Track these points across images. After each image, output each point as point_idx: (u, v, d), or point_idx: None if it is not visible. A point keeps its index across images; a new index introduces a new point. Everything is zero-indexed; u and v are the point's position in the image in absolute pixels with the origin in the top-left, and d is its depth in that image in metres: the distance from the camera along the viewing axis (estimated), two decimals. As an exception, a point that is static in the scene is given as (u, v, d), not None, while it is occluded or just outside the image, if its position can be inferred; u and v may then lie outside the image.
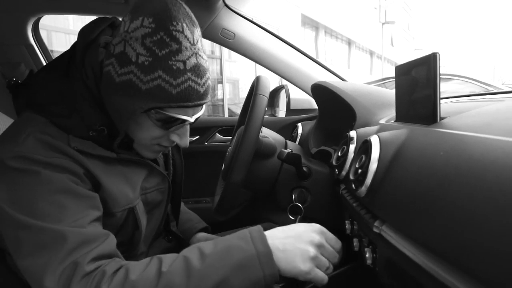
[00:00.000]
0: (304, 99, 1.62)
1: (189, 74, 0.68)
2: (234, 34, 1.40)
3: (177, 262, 0.62)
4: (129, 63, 0.67)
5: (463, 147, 0.49)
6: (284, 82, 1.67)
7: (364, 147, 0.71)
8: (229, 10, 1.37)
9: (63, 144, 0.68)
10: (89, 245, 0.62)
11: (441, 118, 0.64)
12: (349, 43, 18.60)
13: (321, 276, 0.67)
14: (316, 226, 0.72)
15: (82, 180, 0.69)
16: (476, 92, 1.21)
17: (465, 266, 0.40)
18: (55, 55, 1.58)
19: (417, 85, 0.70)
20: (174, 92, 0.68)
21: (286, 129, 1.56)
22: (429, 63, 0.64)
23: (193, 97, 0.70)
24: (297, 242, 0.66)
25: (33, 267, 0.60)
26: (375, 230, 0.61)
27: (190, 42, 0.69)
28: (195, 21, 0.72)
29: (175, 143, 0.80)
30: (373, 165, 0.64)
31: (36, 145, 0.66)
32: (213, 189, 1.21)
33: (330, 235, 0.72)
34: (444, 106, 0.67)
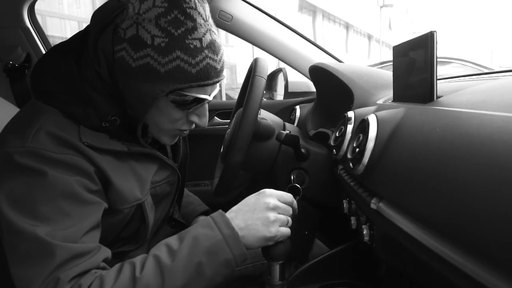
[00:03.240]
0: (302, 82, 1.62)
1: (206, 51, 0.67)
2: (232, 16, 1.39)
3: (148, 264, 0.63)
4: (145, 46, 0.65)
5: (458, 123, 0.50)
6: (282, 65, 1.66)
7: (362, 126, 0.72)
8: (227, -8, 1.36)
9: (74, 138, 0.67)
10: (76, 260, 0.62)
11: (438, 97, 0.65)
12: (347, 27, 18.43)
13: (286, 232, 0.73)
14: (266, 191, 0.75)
15: (91, 180, 0.68)
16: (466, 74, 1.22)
17: (461, 238, 0.42)
18: (50, 41, 1.57)
19: (415, 64, 0.70)
20: (193, 71, 0.67)
21: (284, 111, 1.56)
22: (426, 41, 0.64)
23: (212, 74, 0.70)
24: (255, 213, 0.70)
25: (21, 276, 0.60)
26: (373, 207, 0.62)
27: (203, 19, 0.67)
28: None
29: (193, 125, 0.79)
30: (370, 144, 0.65)
31: (47, 141, 0.65)
32: (212, 172, 1.22)
33: (279, 193, 0.76)
34: (441, 86, 0.67)
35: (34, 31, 1.45)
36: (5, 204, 0.62)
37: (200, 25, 0.66)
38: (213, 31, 0.70)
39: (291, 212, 0.75)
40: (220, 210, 0.71)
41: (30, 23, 1.43)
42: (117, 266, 0.64)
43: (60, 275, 0.59)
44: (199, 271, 0.63)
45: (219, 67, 0.71)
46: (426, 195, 0.48)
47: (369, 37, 22.32)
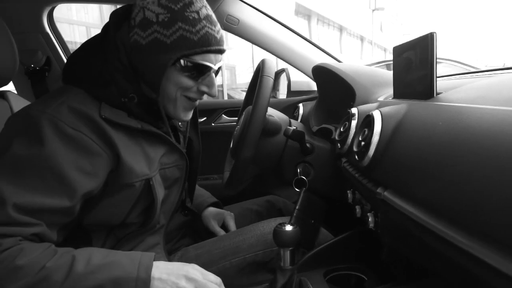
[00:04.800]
0: (303, 81, 1.63)
1: (204, 22, 0.74)
2: (238, 20, 1.40)
3: (63, 260, 0.63)
4: (151, 24, 0.72)
5: (460, 117, 0.51)
6: (281, 65, 1.67)
7: (367, 121, 0.73)
8: (233, -3, 1.37)
9: (94, 112, 0.70)
10: (9, 226, 0.62)
11: (437, 93, 0.66)
12: (341, 29, 18.39)
13: None
14: (192, 265, 0.74)
15: (90, 161, 0.70)
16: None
17: (465, 221, 0.43)
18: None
19: (414, 63, 0.71)
20: (195, 38, 0.73)
21: (288, 109, 1.57)
22: (426, 42, 0.66)
23: (212, 41, 0.75)
24: (172, 275, 0.69)
25: None
26: (378, 196, 0.63)
27: None
28: None
29: (203, 95, 0.82)
30: (376, 137, 0.67)
31: (67, 114, 0.68)
32: (220, 167, 1.23)
33: (205, 272, 0.74)
34: (439, 83, 0.68)
35: (53, 36, 1.46)
36: (3, 154, 0.65)
37: (196, 0, 0.74)
38: (208, 8, 0.77)
39: None
40: (153, 254, 0.71)
41: (50, 29, 1.44)
42: (44, 245, 0.65)
43: None
44: None
45: (218, 36, 0.77)
46: (432, 183, 0.49)
47: (362, 38, 22.27)
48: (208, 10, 0.76)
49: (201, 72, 0.77)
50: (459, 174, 0.45)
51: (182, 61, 0.74)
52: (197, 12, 0.73)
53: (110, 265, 0.66)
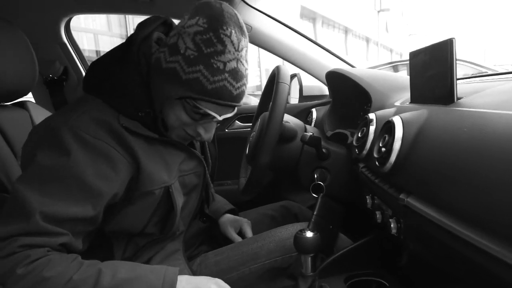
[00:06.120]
0: (315, 86, 1.63)
1: (226, 75, 0.71)
2: (251, 27, 1.41)
3: (90, 273, 0.64)
4: (178, 53, 0.71)
5: (485, 123, 0.51)
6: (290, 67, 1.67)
7: (387, 127, 0.73)
8: (246, 5, 1.38)
9: (113, 121, 0.72)
10: (37, 236, 0.63)
11: (458, 98, 0.66)
12: (346, 31, 18.36)
13: None
14: (217, 280, 0.76)
15: (113, 167, 0.71)
16: (476, 74, 1.22)
17: (494, 227, 0.43)
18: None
19: (432, 68, 0.71)
20: (209, 87, 0.71)
21: (301, 114, 1.57)
22: (445, 47, 0.66)
23: (225, 96, 0.73)
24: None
25: None
26: (401, 202, 0.63)
27: (234, 48, 0.72)
28: (245, 31, 0.75)
29: (200, 136, 0.81)
30: (397, 144, 0.67)
31: (88, 123, 0.70)
32: (234, 172, 1.23)
33: (225, 285, 0.76)
34: (458, 87, 0.68)
35: (70, 46, 1.49)
36: (28, 166, 0.67)
37: (229, 51, 0.71)
38: (241, 62, 0.74)
39: None
40: (177, 269, 0.72)
41: (67, 39, 1.47)
42: (71, 257, 0.66)
43: (18, 238, 0.62)
44: None
45: (235, 92, 0.74)
46: (459, 189, 0.50)
47: (367, 40, 22.21)
48: (239, 64, 0.73)
49: (203, 117, 0.77)
50: (487, 180, 0.45)
51: (187, 100, 0.74)
52: (224, 63, 0.71)
53: (135, 279, 0.67)
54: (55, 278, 0.61)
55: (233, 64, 0.72)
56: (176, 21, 0.80)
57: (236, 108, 0.80)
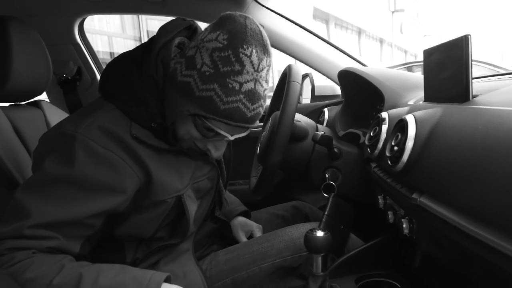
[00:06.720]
0: (327, 86, 1.62)
1: (241, 96, 0.69)
2: (263, 27, 1.41)
3: (71, 277, 0.63)
4: (193, 68, 0.69)
5: (501, 121, 0.50)
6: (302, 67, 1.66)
7: (399, 126, 0.72)
8: (258, 4, 1.38)
9: (124, 131, 0.71)
10: (26, 239, 0.64)
11: (473, 96, 0.65)
12: (359, 32, 18.23)
13: None
14: None
15: (119, 178, 0.71)
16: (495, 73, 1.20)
17: (508, 227, 0.42)
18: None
19: (447, 66, 0.70)
20: (221, 107, 0.68)
21: (313, 113, 1.56)
22: (461, 44, 0.64)
23: (237, 117, 0.70)
24: None
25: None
26: (414, 201, 0.62)
27: (254, 68, 0.69)
28: (269, 50, 0.72)
29: (210, 152, 0.80)
30: (410, 142, 0.65)
31: (97, 133, 0.69)
32: (245, 172, 1.23)
33: None
34: (473, 86, 0.67)
35: (84, 46, 1.51)
36: (36, 170, 0.69)
37: (247, 72, 0.68)
38: (259, 82, 0.71)
39: None
40: (163, 275, 0.70)
41: (80, 40, 1.49)
42: (56, 258, 0.65)
43: (7, 241, 0.63)
44: None
45: (249, 114, 0.71)
46: (474, 188, 0.48)
47: (381, 41, 22.01)
48: (257, 85, 0.70)
49: (214, 135, 0.75)
50: (503, 178, 0.44)
51: (199, 117, 0.72)
52: (240, 84, 0.68)
53: (116, 287, 0.65)
54: (35, 280, 0.61)
55: (250, 85, 0.69)
56: (200, 24, 0.78)
57: (249, 129, 0.78)
